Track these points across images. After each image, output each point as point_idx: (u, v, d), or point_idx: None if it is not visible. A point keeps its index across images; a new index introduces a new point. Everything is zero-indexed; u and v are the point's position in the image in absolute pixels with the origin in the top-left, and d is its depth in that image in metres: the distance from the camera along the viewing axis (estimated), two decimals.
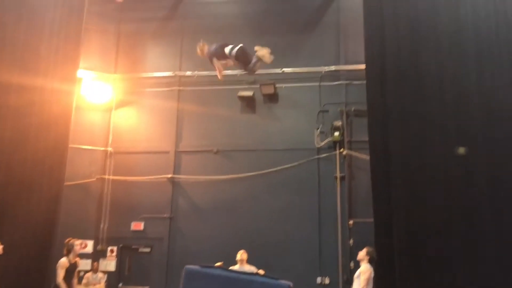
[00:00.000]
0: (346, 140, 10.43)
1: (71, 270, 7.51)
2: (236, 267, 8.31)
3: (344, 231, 9.96)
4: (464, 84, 8.15)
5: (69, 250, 7.53)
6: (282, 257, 10.05)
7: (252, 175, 10.75)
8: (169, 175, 11.10)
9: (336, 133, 10.31)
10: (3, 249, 7.07)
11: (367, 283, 6.33)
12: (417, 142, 8.16)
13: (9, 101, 8.80)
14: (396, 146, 8.22)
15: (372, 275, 6.47)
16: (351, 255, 9.72)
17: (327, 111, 10.77)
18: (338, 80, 10.89)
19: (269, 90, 10.99)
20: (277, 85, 11.04)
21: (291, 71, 11.10)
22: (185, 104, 11.57)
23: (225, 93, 11.32)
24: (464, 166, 7.84)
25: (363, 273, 6.32)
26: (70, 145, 9.90)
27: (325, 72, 10.92)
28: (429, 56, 8.36)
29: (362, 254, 6.64)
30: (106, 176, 11.29)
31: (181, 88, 11.67)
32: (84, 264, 10.61)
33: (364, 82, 9.14)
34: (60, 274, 7.32)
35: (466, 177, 7.81)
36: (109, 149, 11.49)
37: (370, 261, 6.60)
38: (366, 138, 9.00)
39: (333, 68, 10.89)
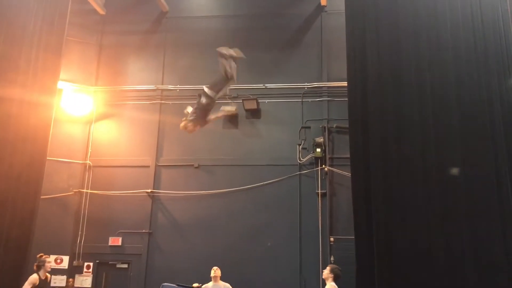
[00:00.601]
0: (327, 156, 10.46)
1: (41, 286, 7.27)
2: (210, 285, 8.18)
3: (325, 248, 9.92)
4: (444, 101, 8.27)
5: (40, 266, 7.31)
6: (262, 274, 9.95)
7: (234, 191, 10.68)
8: (149, 190, 10.95)
9: (318, 150, 10.34)
10: None
11: None
12: (398, 159, 8.21)
13: None
14: (377, 163, 8.24)
15: None
16: None
17: (309, 127, 10.81)
18: (321, 96, 10.96)
19: (252, 105, 10.99)
20: (259, 101, 11.05)
21: (274, 87, 11.13)
22: (167, 117, 11.47)
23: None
24: (444, 182, 7.91)
25: None
26: (48, 158, 9.68)
27: (307, 88, 10.99)
28: (410, 75, 8.46)
29: (326, 272, 6.55)
30: (84, 190, 11.07)
31: (163, 101, 11.59)
32: (59, 280, 10.35)
33: (346, 99, 9.21)
34: None
35: (447, 193, 7.88)
36: (88, 162, 11.29)
37: (335, 279, 6.50)
38: (348, 155, 9.03)
39: (315, 84, 10.95)
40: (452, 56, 8.33)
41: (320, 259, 9.78)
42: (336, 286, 6.33)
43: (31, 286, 7.12)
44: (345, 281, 9.18)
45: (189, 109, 7.10)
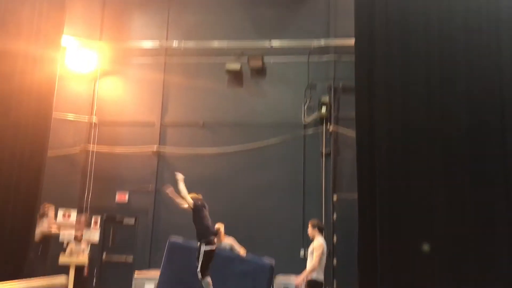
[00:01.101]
0: (333, 116, 10.42)
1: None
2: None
3: (328, 206, 10.05)
4: (451, 62, 8.17)
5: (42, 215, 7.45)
6: (266, 231, 10.13)
7: (238, 150, 10.73)
8: (154, 148, 11.02)
9: (323, 109, 10.30)
10: None
11: (319, 259, 6.24)
12: (403, 119, 8.21)
13: None
14: (382, 122, 8.25)
15: (325, 249, 6.42)
16: (335, 229, 9.85)
17: (315, 86, 10.73)
18: (327, 54, 10.81)
19: (257, 63, 10.87)
20: (265, 59, 10.92)
21: (280, 45, 10.96)
22: (172, 76, 11.40)
23: (212, 66, 11.18)
24: (447, 140, 7.94)
25: (316, 250, 6.25)
26: (54, 115, 9.74)
27: (314, 47, 10.82)
28: (418, 33, 8.33)
29: (310, 230, 6.58)
30: (91, 147, 11.15)
31: (167, 59, 11.48)
32: (68, 235, 10.59)
33: (353, 58, 9.10)
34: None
35: (449, 151, 7.91)
36: (94, 119, 11.32)
37: (321, 232, 6.55)
38: (353, 115, 9.01)
39: (322, 42, 10.78)
40: (463, 10, 8.19)
41: (323, 217, 9.92)
42: (323, 241, 6.40)
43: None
44: (347, 238, 9.40)
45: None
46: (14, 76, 8.63)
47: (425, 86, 8.23)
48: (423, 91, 8.23)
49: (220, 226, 8.40)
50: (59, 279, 2.05)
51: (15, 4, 8.87)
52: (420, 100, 8.19)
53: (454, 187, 7.77)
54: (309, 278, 6.09)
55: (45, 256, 7.35)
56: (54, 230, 7.66)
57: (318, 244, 6.27)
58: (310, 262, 6.20)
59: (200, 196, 7.25)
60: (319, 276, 6.20)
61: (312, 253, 6.26)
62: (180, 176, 6.97)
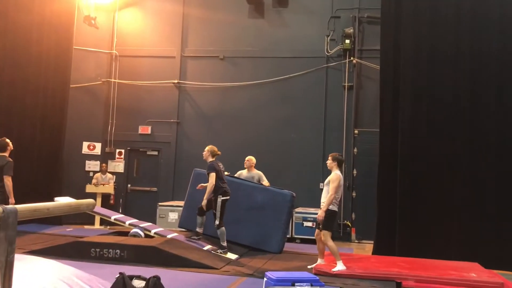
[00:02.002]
0: (356, 48, 10.15)
1: None
2: (244, 172, 8.52)
3: (348, 140, 10.05)
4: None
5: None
6: (286, 164, 10.26)
7: (259, 83, 10.65)
8: (175, 81, 11.01)
9: (347, 41, 10.01)
10: (14, 145, 7.18)
11: (336, 191, 6.29)
12: (429, 50, 7.96)
13: None
14: (408, 54, 8.02)
15: (342, 181, 6.47)
16: (355, 163, 9.91)
17: (338, 17, 10.37)
18: None
19: None
20: None
21: None
22: (191, 6, 11.15)
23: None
24: (475, 70, 7.73)
25: (333, 181, 6.27)
26: (75, 47, 9.74)
27: None
28: None
29: (329, 162, 6.60)
30: (112, 80, 11.21)
31: None
32: (93, 166, 10.94)
33: None
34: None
35: (476, 82, 7.74)
36: (114, 52, 11.29)
37: (339, 165, 6.57)
38: (378, 47, 8.77)
39: None
40: None
41: (343, 150, 9.96)
42: (340, 173, 6.45)
43: None
44: (367, 171, 9.47)
45: None
46: (33, 7, 8.57)
47: (454, 14, 7.90)
48: (452, 20, 7.90)
49: (251, 158, 8.56)
50: (87, 201, 2.14)
51: None
52: (449, 29, 7.89)
53: (478, 122, 7.65)
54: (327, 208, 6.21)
55: None
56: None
57: (335, 176, 6.32)
58: (326, 193, 6.29)
59: (218, 153, 7.33)
60: (335, 207, 6.32)
61: (327, 184, 6.33)
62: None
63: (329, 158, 6.59)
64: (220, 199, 6.95)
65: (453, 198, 7.57)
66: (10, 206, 1.79)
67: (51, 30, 8.68)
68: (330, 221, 6.29)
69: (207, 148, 7.34)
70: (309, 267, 6.34)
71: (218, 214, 6.93)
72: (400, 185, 7.78)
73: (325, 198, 6.32)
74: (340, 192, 6.54)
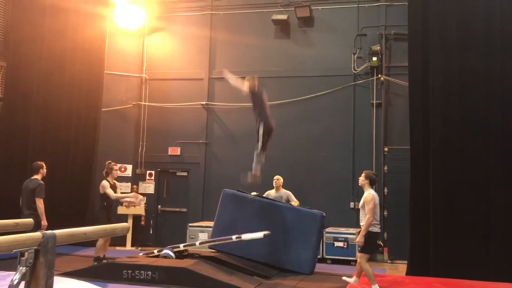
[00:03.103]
0: (384, 65, 10.08)
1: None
2: (272, 192, 8.50)
3: (378, 158, 9.92)
4: None
5: (108, 172, 7.78)
6: (316, 183, 10.18)
7: (286, 102, 10.67)
8: (204, 102, 11.16)
9: (374, 58, 9.97)
10: (47, 168, 7.39)
11: (373, 212, 6.14)
12: (459, 67, 7.83)
13: (44, 23, 8.86)
14: (436, 71, 7.92)
15: (377, 200, 6.30)
16: (385, 181, 9.75)
17: (365, 35, 10.35)
18: (378, 1, 10.34)
19: (305, 13, 10.57)
20: (313, 7, 10.60)
21: None
22: (218, 29, 11.34)
23: (258, 17, 11.00)
24: (508, 89, 7.55)
25: (367, 203, 6.11)
26: (106, 72, 10.02)
27: None
28: None
29: (362, 179, 6.46)
30: (142, 103, 11.44)
31: (213, 12, 11.39)
32: (124, 187, 11.10)
33: (405, 3, 8.68)
34: (110, 192, 7.58)
35: (509, 102, 7.54)
36: (144, 75, 11.55)
37: (372, 184, 6.43)
38: (405, 63, 8.70)
39: None
40: None
41: (373, 168, 9.82)
42: (374, 193, 6.31)
43: (109, 188, 7.60)
44: (399, 189, 9.30)
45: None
46: (67, 33, 8.90)
47: (484, 29, 7.77)
48: (481, 35, 7.78)
49: (279, 177, 8.56)
50: (122, 225, 2.17)
51: None
52: (478, 46, 7.75)
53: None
54: (367, 232, 6.06)
55: (109, 208, 7.76)
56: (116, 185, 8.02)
57: (369, 196, 6.18)
58: (364, 216, 6.17)
59: (256, 79, 7.54)
60: (375, 228, 6.16)
61: (363, 206, 6.21)
62: (226, 73, 7.50)
63: (362, 175, 6.50)
64: (262, 127, 7.18)
65: (490, 217, 7.34)
66: (49, 231, 1.84)
67: (83, 55, 8.98)
68: (369, 244, 6.16)
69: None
70: (344, 278, 6.22)
71: (260, 139, 7.18)
72: (433, 203, 7.61)
73: (363, 221, 6.19)
74: (378, 212, 6.37)
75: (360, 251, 6.13)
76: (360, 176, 6.61)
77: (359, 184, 6.58)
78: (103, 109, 10.37)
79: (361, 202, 6.31)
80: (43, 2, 8.80)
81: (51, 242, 1.81)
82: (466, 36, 7.84)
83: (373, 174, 6.55)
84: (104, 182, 7.68)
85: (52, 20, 8.77)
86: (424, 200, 7.70)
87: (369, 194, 6.23)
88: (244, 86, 7.48)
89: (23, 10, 8.90)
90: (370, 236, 6.09)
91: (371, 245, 6.27)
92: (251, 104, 7.67)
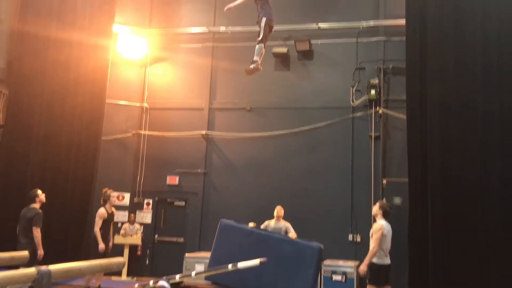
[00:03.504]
0: (382, 98, 10.19)
1: (109, 220, 7.77)
2: (272, 222, 8.46)
3: (377, 190, 9.91)
4: (509, 42, 7.76)
5: (106, 200, 7.77)
6: (314, 215, 10.13)
7: (286, 133, 10.73)
8: (203, 132, 11.22)
9: (372, 92, 10.08)
10: (46, 198, 7.38)
11: (379, 243, 6.07)
12: (457, 101, 7.92)
13: (47, 55, 9.00)
14: (434, 105, 8.01)
15: (386, 230, 6.25)
16: None
17: (363, 68, 10.50)
18: (376, 36, 10.53)
19: (304, 46, 10.76)
20: (312, 42, 10.80)
21: (327, 27, 10.80)
22: (219, 60, 11.51)
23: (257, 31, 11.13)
24: (505, 122, 7.60)
25: (375, 232, 6.08)
26: (107, 100, 10.12)
27: (362, 27, 10.57)
28: (473, 13, 7.96)
29: (375, 209, 6.44)
30: (142, 132, 11.50)
31: (215, 44, 11.59)
32: (122, 216, 11.04)
33: (403, 38, 8.84)
34: (98, 223, 7.58)
35: (506, 134, 7.58)
36: (145, 105, 11.65)
37: (385, 215, 6.39)
38: (403, 97, 8.80)
39: (371, 23, 10.52)
40: None
41: (372, 201, 9.80)
42: (385, 223, 6.27)
43: (101, 219, 7.60)
44: (397, 222, 9.23)
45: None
46: (70, 65, 9.03)
47: (480, 66, 7.88)
48: (478, 71, 7.89)
49: (281, 208, 8.53)
50: (117, 260, 2.16)
51: None
52: (475, 81, 7.85)
53: (511, 173, 7.47)
54: (370, 262, 5.99)
55: (107, 237, 7.73)
56: (114, 212, 8.00)
57: (377, 226, 6.13)
58: (371, 246, 6.13)
59: None
60: (382, 260, 6.07)
61: (372, 236, 6.18)
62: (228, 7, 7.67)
63: (377, 204, 6.49)
64: (264, 20, 7.43)
65: (488, 252, 7.29)
66: (44, 268, 1.85)
67: (85, 86, 9.09)
68: (376, 275, 6.05)
69: None
70: None
71: (261, 32, 7.47)
72: (432, 236, 7.57)
73: None
74: (387, 243, 6.28)
75: (368, 283, 6.04)
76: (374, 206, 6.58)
77: (373, 214, 6.56)
78: (103, 138, 10.41)
79: (371, 231, 6.27)
80: (48, 35, 8.96)
81: (46, 279, 1.81)
82: (464, 70, 7.95)
83: (387, 206, 6.50)
84: (100, 211, 7.67)
85: (55, 52, 8.92)
86: (422, 233, 7.66)
87: (378, 223, 6.20)
88: None
89: (27, 41, 9.07)
90: (378, 269, 6.00)
91: (379, 277, 6.13)
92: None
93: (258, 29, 7.57)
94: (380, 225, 6.15)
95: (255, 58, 7.64)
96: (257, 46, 7.62)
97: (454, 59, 8.03)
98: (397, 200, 9.52)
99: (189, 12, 11.93)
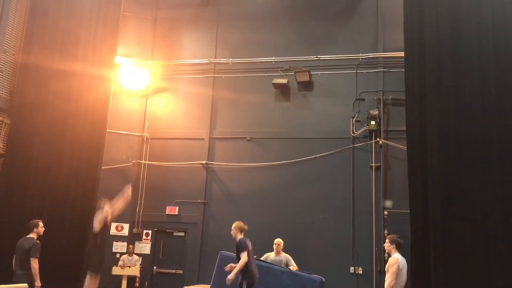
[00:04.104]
0: (382, 129, 10.23)
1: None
2: (271, 255, 8.35)
3: (378, 221, 9.82)
4: (506, 73, 7.83)
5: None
6: (315, 246, 10.02)
7: (286, 163, 10.72)
8: (203, 162, 11.20)
9: (372, 122, 10.12)
10: (44, 229, 7.30)
11: (396, 276, 5.99)
12: (456, 131, 7.94)
13: (50, 86, 9.07)
14: (434, 135, 8.02)
15: (402, 264, 6.17)
16: None
17: (363, 99, 10.58)
18: (376, 67, 10.67)
19: (304, 77, 10.87)
20: (312, 73, 10.91)
21: (327, 58, 10.94)
22: (220, 91, 11.61)
23: (260, 80, 11.29)
24: (504, 151, 7.60)
25: (391, 266, 6.02)
26: (108, 130, 10.14)
27: (362, 59, 10.72)
28: (470, 45, 8.07)
29: (387, 245, 6.37)
30: (143, 161, 11.49)
31: (216, 75, 11.71)
32: (120, 247, 10.91)
33: (402, 69, 8.93)
34: (98, 221, 7.55)
35: (506, 163, 7.56)
36: (145, 134, 11.68)
37: (398, 248, 6.31)
38: (403, 127, 8.83)
39: (370, 55, 10.67)
40: None
41: (373, 232, 9.71)
42: (400, 257, 6.19)
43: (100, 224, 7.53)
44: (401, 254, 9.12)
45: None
46: (71, 96, 9.08)
47: (479, 97, 7.93)
48: (476, 102, 7.93)
49: (280, 242, 8.42)
50: None
51: (73, 26, 9.37)
52: (474, 112, 7.89)
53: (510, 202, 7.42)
54: None
55: (103, 247, 7.62)
56: (110, 219, 7.88)
57: (393, 260, 6.08)
58: (387, 280, 6.05)
59: (245, 228, 7.09)
60: None
61: (388, 270, 6.11)
62: None
63: (387, 240, 6.41)
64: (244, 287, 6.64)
65: (490, 283, 7.17)
66: None
67: (86, 117, 9.11)
68: None
69: (234, 224, 6.96)
70: None
71: None
72: (434, 269, 7.44)
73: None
74: (403, 277, 6.19)
75: None
76: (384, 243, 6.50)
77: (386, 250, 6.47)
78: (103, 167, 10.39)
79: (386, 266, 6.20)
80: (51, 66, 9.05)
81: None
82: (463, 99, 7.99)
83: (397, 237, 6.42)
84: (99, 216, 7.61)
85: (58, 83, 9.00)
86: (424, 266, 7.54)
87: (394, 257, 6.15)
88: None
89: (30, 72, 9.15)
90: None
91: None
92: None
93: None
94: (396, 259, 6.10)
95: None
96: None
97: (453, 89, 8.09)
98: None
99: (190, 44, 12.11)
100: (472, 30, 8.07)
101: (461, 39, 8.14)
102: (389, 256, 6.37)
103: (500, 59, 7.85)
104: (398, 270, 6.03)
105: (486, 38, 7.97)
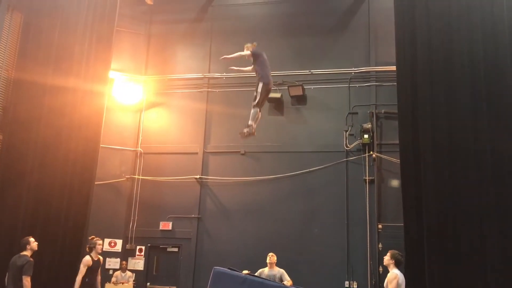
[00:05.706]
0: (375, 142, 10.27)
1: (94, 267, 7.59)
2: (265, 270, 8.29)
3: (373, 235, 9.81)
4: (497, 87, 7.91)
5: (91, 248, 7.63)
6: (309, 260, 9.97)
7: (280, 177, 10.72)
8: (197, 176, 11.18)
9: (366, 136, 10.17)
10: (37, 246, 7.22)
11: None
12: (449, 144, 7.97)
13: (43, 102, 9.04)
14: (427, 148, 8.05)
15: (401, 280, 6.18)
16: (380, 259, 9.53)
17: (356, 113, 10.64)
18: (368, 81, 10.76)
19: (297, 92, 10.93)
20: (305, 87, 10.98)
21: (320, 73, 11.02)
22: (214, 105, 11.64)
23: (253, 95, 11.28)
24: (497, 164, 7.63)
25: (390, 281, 6.00)
26: (101, 145, 10.10)
27: (354, 73, 10.81)
28: (462, 58, 8.16)
29: (387, 259, 6.37)
30: (136, 176, 11.45)
31: (209, 89, 11.75)
32: (113, 263, 10.80)
33: (395, 83, 9.00)
34: (82, 271, 7.41)
35: (499, 174, 7.59)
36: (139, 149, 11.65)
37: (397, 264, 6.31)
38: (396, 141, 8.85)
39: (363, 69, 10.76)
40: (508, 33, 7.96)
41: (368, 246, 9.68)
42: (399, 273, 6.18)
43: (85, 267, 7.44)
44: None
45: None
46: (65, 111, 9.05)
47: (470, 109, 8.00)
48: (468, 114, 7.99)
49: (273, 255, 8.37)
50: None
51: (67, 42, 9.39)
52: (466, 124, 7.94)
53: (506, 212, 7.43)
54: None
55: (93, 285, 7.53)
56: (101, 260, 7.82)
57: (392, 276, 6.06)
58: None
59: (255, 45, 8.09)
60: None
61: (387, 286, 6.09)
62: (225, 57, 8.04)
63: (388, 254, 6.40)
64: (261, 85, 7.57)
65: None
66: None
67: (80, 132, 9.07)
68: None
69: None
70: None
71: (257, 97, 7.61)
72: (429, 281, 7.41)
73: None
74: None
75: None
76: (385, 256, 6.48)
77: (385, 263, 6.46)
78: (96, 183, 10.32)
79: (385, 281, 6.17)
80: (44, 81, 9.04)
81: None
82: (455, 112, 8.04)
83: (399, 255, 6.40)
84: (85, 259, 7.50)
85: (51, 98, 8.97)
86: (419, 280, 7.51)
87: (392, 273, 6.14)
88: (245, 50, 8.04)
89: (24, 87, 9.12)
90: None
91: None
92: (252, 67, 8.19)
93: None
94: (395, 275, 6.09)
95: (250, 122, 7.64)
96: (252, 111, 7.65)
97: (445, 102, 8.15)
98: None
99: (184, 58, 12.17)
100: (463, 44, 8.16)
101: (453, 53, 8.22)
102: (384, 268, 6.36)
103: (491, 71, 7.93)
104: (398, 285, 6.02)
105: (477, 51, 8.06)
